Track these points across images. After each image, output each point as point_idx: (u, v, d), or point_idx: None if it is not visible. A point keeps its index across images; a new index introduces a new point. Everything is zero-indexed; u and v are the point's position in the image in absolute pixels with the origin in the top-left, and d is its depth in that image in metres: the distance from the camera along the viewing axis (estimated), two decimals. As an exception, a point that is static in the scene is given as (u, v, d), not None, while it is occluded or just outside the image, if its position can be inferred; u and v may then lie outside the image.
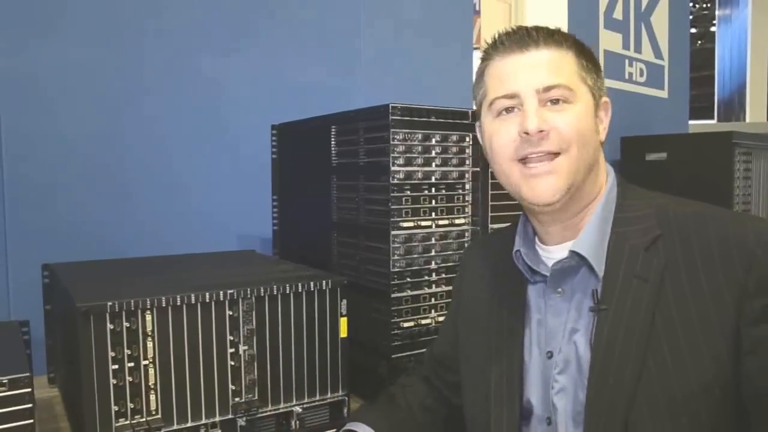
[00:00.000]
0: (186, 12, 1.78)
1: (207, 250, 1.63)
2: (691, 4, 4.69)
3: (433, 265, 1.30)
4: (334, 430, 1.13)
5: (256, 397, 1.12)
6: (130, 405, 1.00)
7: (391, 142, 1.23)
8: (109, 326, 0.98)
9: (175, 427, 1.04)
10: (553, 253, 0.89)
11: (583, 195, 0.86)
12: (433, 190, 1.28)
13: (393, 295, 1.26)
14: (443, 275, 1.32)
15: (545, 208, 0.84)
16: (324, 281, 1.19)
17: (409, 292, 1.28)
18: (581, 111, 0.83)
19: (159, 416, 1.03)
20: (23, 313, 1.40)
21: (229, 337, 1.09)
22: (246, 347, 1.11)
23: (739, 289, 0.75)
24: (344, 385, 1.22)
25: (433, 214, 1.29)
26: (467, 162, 1.32)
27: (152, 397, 1.02)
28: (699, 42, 6.05)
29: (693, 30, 5.42)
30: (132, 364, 1.00)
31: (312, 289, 1.17)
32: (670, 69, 3.67)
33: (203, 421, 1.07)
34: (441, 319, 1.29)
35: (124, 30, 1.68)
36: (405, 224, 1.26)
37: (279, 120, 1.74)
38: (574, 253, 0.85)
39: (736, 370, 0.76)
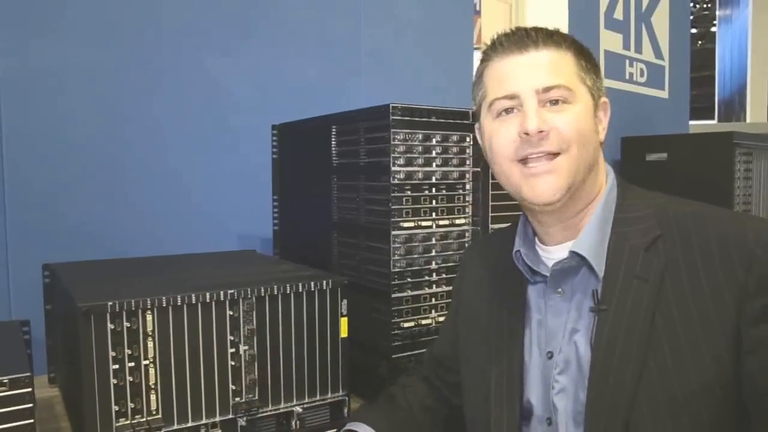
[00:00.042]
0: (186, 12, 1.78)
1: (207, 250, 1.63)
2: (691, 5, 4.70)
3: (433, 266, 1.30)
4: (335, 430, 1.13)
5: (257, 397, 1.12)
6: (130, 405, 1.00)
7: (392, 142, 1.23)
8: (110, 326, 0.98)
9: (176, 426, 1.05)
10: (553, 254, 0.89)
11: (583, 195, 0.86)
12: (434, 190, 1.28)
13: (393, 295, 1.26)
14: (444, 275, 1.32)
15: (545, 208, 0.84)
16: (324, 281, 1.19)
17: (410, 292, 1.28)
18: (581, 111, 0.83)
19: (159, 416, 1.03)
20: (24, 312, 1.40)
21: (230, 337, 1.09)
22: (246, 347, 1.11)
23: (739, 288, 0.75)
24: (344, 385, 1.22)
25: (434, 214, 1.29)
26: (468, 162, 1.32)
27: (153, 397, 1.02)
28: (699, 42, 6.05)
29: (693, 30, 5.42)
30: (132, 364, 1.00)
31: (312, 289, 1.17)
32: (670, 69, 3.67)
33: (204, 421, 1.07)
34: (441, 319, 1.29)
35: (125, 30, 1.68)
36: (405, 224, 1.26)
37: (279, 120, 1.74)
38: (574, 254, 0.85)
39: (736, 370, 0.76)
